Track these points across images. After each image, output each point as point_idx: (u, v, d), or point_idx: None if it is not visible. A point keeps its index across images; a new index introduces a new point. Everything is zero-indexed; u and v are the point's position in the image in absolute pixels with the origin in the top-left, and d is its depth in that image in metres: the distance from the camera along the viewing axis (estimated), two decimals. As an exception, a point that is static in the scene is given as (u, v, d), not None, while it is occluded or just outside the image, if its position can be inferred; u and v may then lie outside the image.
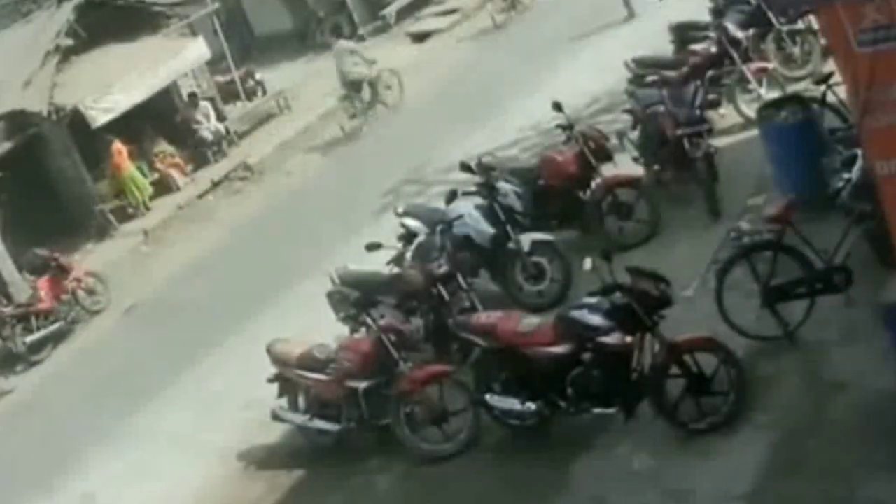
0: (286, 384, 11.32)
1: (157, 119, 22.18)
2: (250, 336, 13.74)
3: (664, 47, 15.40)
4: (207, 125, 22.50)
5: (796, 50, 14.33)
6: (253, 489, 11.28)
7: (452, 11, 26.15)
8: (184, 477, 11.97)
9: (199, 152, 22.43)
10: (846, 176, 9.73)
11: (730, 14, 14.44)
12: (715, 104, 13.73)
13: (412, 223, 12.73)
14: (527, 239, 12.07)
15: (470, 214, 12.35)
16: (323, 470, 11.05)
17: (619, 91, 15.02)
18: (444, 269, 11.41)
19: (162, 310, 16.96)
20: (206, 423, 12.69)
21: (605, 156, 12.89)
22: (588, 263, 9.38)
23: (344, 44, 22.45)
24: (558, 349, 9.47)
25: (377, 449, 10.81)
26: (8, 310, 17.28)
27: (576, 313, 9.44)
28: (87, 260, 19.64)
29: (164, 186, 21.72)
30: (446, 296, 11.35)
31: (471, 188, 12.65)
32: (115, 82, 20.38)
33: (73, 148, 20.61)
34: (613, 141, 13.58)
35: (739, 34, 14.09)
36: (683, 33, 15.21)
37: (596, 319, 9.25)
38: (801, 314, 9.64)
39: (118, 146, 20.80)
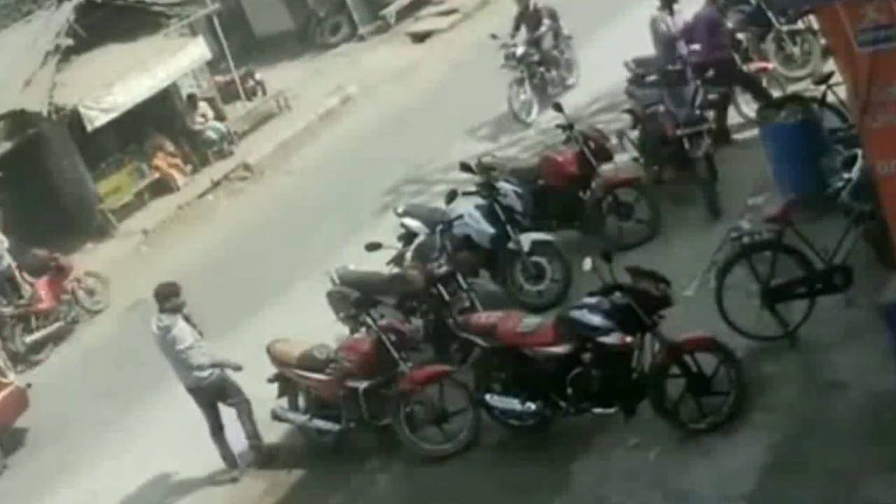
0: (286, 384, 11.33)
1: (157, 119, 22.16)
2: (250, 336, 13.74)
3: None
4: (209, 125, 22.52)
5: (796, 50, 14.34)
6: (253, 489, 11.29)
7: (452, 11, 26.17)
8: (184, 476, 11.98)
9: (199, 152, 22.43)
10: (846, 176, 9.75)
11: (730, 14, 14.45)
12: (715, 104, 13.73)
13: (412, 223, 12.73)
14: (527, 239, 12.07)
15: (470, 214, 12.36)
16: (323, 470, 11.06)
17: (619, 91, 15.02)
18: (444, 269, 11.40)
19: (162, 310, 16.93)
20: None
21: (605, 156, 12.90)
22: (588, 263, 9.38)
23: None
24: (558, 349, 9.48)
25: (377, 449, 10.81)
26: (8, 310, 17.27)
27: (576, 313, 9.44)
28: (87, 260, 19.61)
29: (163, 186, 21.72)
30: (446, 296, 11.35)
31: (471, 188, 12.66)
32: (115, 82, 20.36)
33: (73, 148, 20.59)
34: (613, 141, 13.59)
35: (739, 34, 14.09)
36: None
37: (596, 319, 9.25)
38: (801, 314, 9.65)
39: None
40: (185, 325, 11.18)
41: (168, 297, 11.15)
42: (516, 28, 18.81)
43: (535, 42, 18.37)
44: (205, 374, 11.18)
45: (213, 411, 11.40)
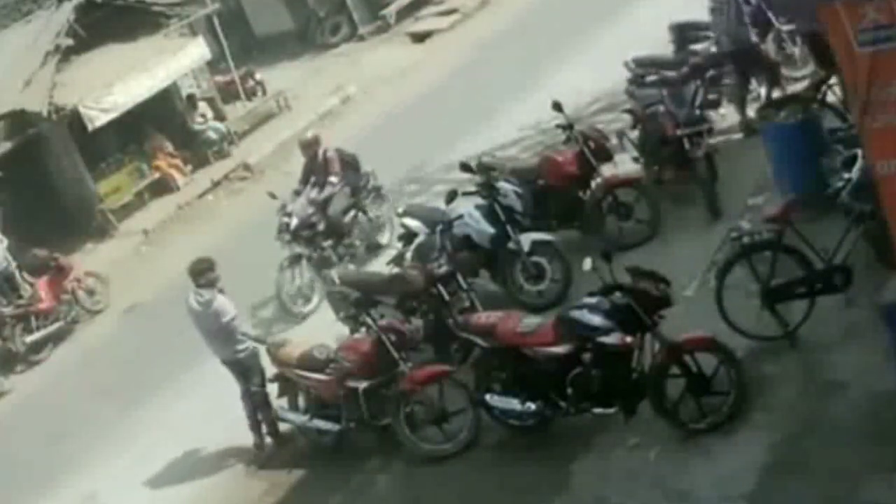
0: (286, 384, 11.33)
1: (157, 119, 22.17)
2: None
3: (664, 47, 15.40)
4: (209, 125, 22.54)
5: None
6: (253, 489, 11.30)
7: (452, 11, 26.18)
8: (184, 477, 11.98)
9: (199, 152, 22.44)
10: (846, 176, 9.76)
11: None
12: (715, 104, 13.74)
13: (412, 223, 12.74)
14: (527, 239, 12.07)
15: (470, 214, 12.37)
16: (323, 470, 11.07)
17: (619, 91, 15.02)
18: (444, 269, 11.42)
19: (162, 310, 16.92)
20: (207, 423, 12.68)
21: (605, 156, 12.91)
22: (588, 263, 9.39)
23: None
24: (558, 349, 9.48)
25: (377, 449, 10.82)
26: (8, 310, 17.26)
27: (576, 313, 9.45)
28: (87, 260, 19.61)
29: (163, 186, 21.72)
30: (446, 296, 11.36)
31: (471, 188, 12.66)
32: (115, 82, 20.36)
33: (73, 148, 20.60)
34: (613, 141, 13.59)
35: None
36: (683, 33, 15.21)
37: (596, 319, 9.25)
38: (801, 314, 9.65)
39: None
40: (225, 298, 11.40)
41: (203, 273, 11.37)
42: (304, 181, 14.63)
43: (320, 205, 14.34)
44: (243, 346, 11.39)
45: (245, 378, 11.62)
